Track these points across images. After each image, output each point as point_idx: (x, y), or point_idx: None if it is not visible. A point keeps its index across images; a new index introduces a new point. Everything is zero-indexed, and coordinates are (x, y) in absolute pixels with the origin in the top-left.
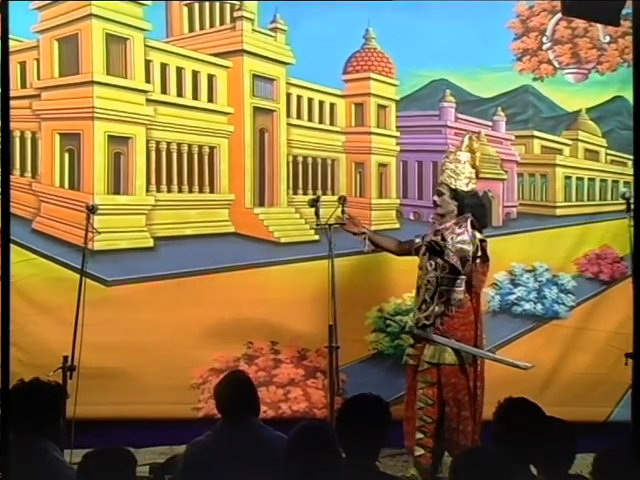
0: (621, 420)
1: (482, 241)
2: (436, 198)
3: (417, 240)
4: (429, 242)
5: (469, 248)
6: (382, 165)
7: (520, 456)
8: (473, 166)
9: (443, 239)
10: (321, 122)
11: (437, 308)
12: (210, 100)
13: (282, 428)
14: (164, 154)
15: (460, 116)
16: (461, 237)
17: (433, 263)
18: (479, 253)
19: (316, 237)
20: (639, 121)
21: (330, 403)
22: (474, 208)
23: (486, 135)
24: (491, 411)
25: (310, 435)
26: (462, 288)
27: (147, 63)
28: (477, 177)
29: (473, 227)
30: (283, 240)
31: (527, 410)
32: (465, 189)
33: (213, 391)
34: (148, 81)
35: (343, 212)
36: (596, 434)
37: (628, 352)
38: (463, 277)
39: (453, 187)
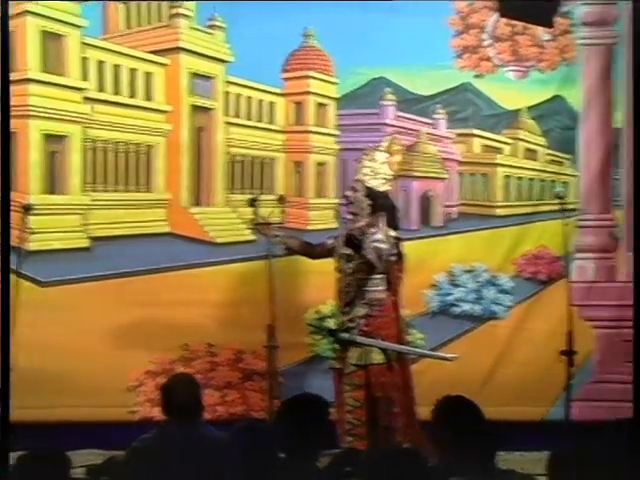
0: (556, 419)
1: (397, 239)
2: (350, 194)
3: (330, 241)
4: (347, 235)
5: (384, 246)
6: (321, 164)
7: (458, 453)
8: (390, 168)
9: (362, 233)
10: (259, 121)
11: (360, 310)
12: (147, 98)
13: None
14: (100, 153)
15: (400, 114)
16: (375, 236)
17: (352, 265)
18: (394, 251)
19: (253, 237)
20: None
21: (269, 404)
22: (387, 209)
23: (427, 133)
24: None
25: (248, 434)
26: (383, 287)
27: (84, 61)
28: (393, 179)
29: (387, 225)
30: (219, 240)
31: (464, 408)
32: (380, 189)
33: (160, 391)
34: (85, 79)
35: (282, 212)
36: (532, 433)
37: (563, 350)
38: (382, 276)
39: (369, 185)
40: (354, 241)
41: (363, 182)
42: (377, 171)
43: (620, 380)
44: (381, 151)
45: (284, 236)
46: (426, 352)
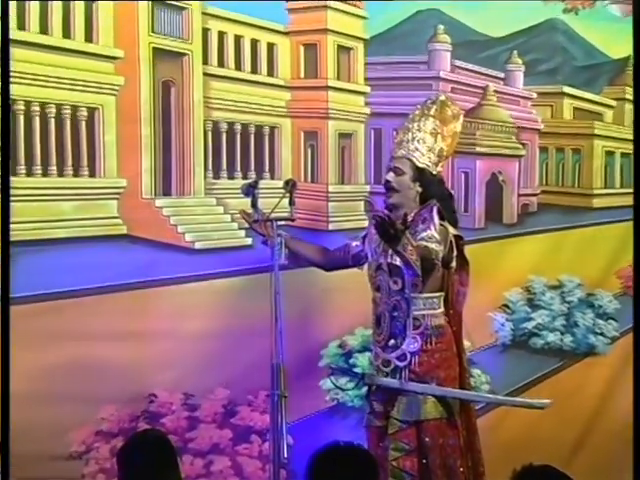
0: None
1: (457, 237)
2: (391, 177)
3: (355, 244)
4: (378, 217)
5: (438, 248)
6: (344, 136)
7: None
8: (444, 141)
9: (404, 222)
10: (254, 72)
11: (414, 343)
12: (88, 40)
13: None
14: (22, 119)
15: (459, 64)
16: (426, 232)
17: (399, 280)
18: (454, 254)
19: (248, 241)
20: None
21: (273, 474)
22: (442, 201)
23: (495, 92)
24: None
25: None
26: (441, 309)
27: None
28: (446, 158)
29: (442, 218)
30: (198, 245)
31: None
32: (434, 171)
33: (116, 458)
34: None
35: (292, 203)
36: None
37: None
38: (440, 294)
39: (420, 165)
40: (389, 230)
41: (411, 160)
42: (430, 145)
43: None
44: (432, 116)
45: (289, 237)
46: (505, 398)
